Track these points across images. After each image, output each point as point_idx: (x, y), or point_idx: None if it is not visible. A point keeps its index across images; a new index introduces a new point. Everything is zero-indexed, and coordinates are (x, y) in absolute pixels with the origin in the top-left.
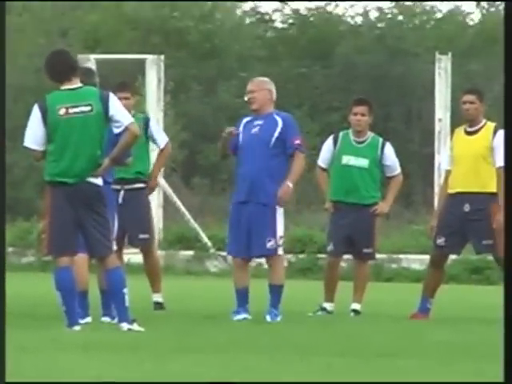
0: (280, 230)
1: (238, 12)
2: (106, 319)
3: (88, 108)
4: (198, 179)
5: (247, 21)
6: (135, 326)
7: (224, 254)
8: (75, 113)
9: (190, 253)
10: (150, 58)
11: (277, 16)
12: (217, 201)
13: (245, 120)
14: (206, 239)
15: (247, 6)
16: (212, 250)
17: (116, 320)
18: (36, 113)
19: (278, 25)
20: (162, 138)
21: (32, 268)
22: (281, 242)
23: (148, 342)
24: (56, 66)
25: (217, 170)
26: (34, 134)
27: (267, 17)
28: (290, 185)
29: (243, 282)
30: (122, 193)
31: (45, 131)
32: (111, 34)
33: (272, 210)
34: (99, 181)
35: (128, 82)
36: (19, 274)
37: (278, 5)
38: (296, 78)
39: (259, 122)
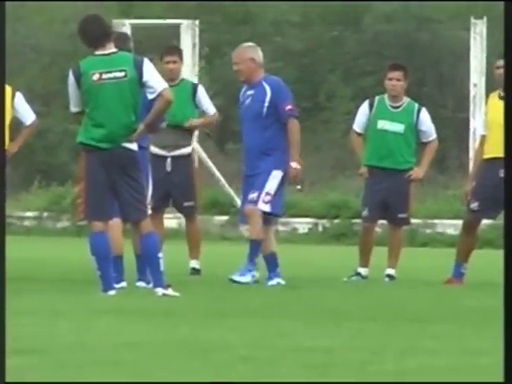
0: (269, 187)
1: None
2: (141, 284)
3: (122, 73)
4: (232, 144)
5: None
6: (170, 291)
7: None
8: (109, 78)
9: (225, 218)
10: (184, 22)
11: None
12: None
13: (242, 91)
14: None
15: None
16: None
17: (151, 285)
18: (71, 79)
19: None
20: (209, 108)
21: (67, 233)
22: (267, 198)
23: (183, 307)
24: (90, 31)
25: None
26: (74, 99)
27: None
28: (297, 166)
29: (266, 249)
30: (168, 160)
31: (80, 96)
32: None
33: (266, 173)
34: (134, 146)
35: (176, 46)
36: (54, 238)
37: None
38: (328, 43)
39: (251, 92)
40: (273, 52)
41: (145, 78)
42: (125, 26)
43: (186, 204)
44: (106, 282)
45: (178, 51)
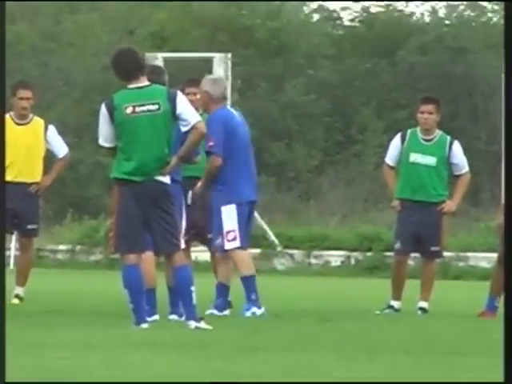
0: (227, 225)
1: (305, 9)
2: (174, 317)
3: (155, 106)
4: (265, 177)
5: (314, 18)
6: (202, 324)
7: (292, 251)
8: (142, 111)
9: (258, 251)
10: (217, 56)
11: (345, 14)
12: (284, 198)
13: None
14: (273, 237)
15: (315, 3)
16: (279, 248)
17: (183, 318)
18: (103, 112)
19: (347, 23)
20: None
21: (100, 266)
22: (230, 235)
23: (215, 340)
24: (124, 64)
25: (283, 168)
26: (104, 133)
27: (335, 14)
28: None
29: (221, 278)
30: (190, 193)
31: (113, 129)
32: (178, 32)
33: (217, 214)
34: (167, 179)
35: (196, 78)
36: (87, 271)
37: (346, 3)
38: (363, 76)
39: None
40: (306, 85)
41: (178, 110)
42: (157, 59)
43: (210, 236)
44: (139, 315)
45: (198, 83)
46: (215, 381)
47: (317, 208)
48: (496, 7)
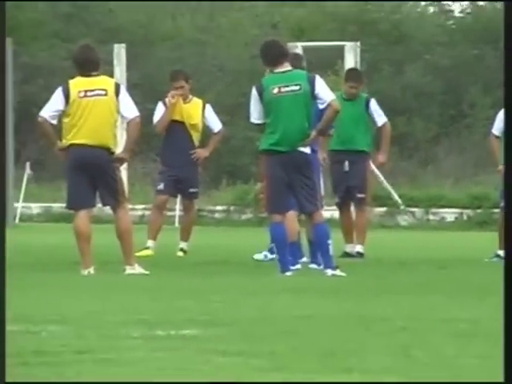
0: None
1: (422, 3)
2: (313, 266)
3: (297, 87)
4: (389, 146)
5: (429, 11)
6: (338, 272)
7: (413, 210)
8: (286, 92)
9: (384, 209)
10: (348, 44)
11: (456, 7)
12: (406, 165)
13: None
14: (396, 197)
15: None
16: (402, 207)
17: (322, 267)
18: (254, 94)
19: (457, 14)
20: (379, 119)
21: (250, 223)
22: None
23: (348, 286)
24: (270, 53)
25: (405, 139)
26: (255, 111)
27: (447, 7)
28: None
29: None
30: (346, 162)
31: (262, 108)
32: (314, 25)
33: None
34: (307, 149)
35: (356, 68)
36: (239, 228)
37: None
38: (471, 59)
39: None
40: (423, 68)
41: (316, 91)
42: (297, 47)
43: (358, 195)
44: (284, 265)
45: (359, 75)
46: (348, 320)
47: (434, 172)
48: None
